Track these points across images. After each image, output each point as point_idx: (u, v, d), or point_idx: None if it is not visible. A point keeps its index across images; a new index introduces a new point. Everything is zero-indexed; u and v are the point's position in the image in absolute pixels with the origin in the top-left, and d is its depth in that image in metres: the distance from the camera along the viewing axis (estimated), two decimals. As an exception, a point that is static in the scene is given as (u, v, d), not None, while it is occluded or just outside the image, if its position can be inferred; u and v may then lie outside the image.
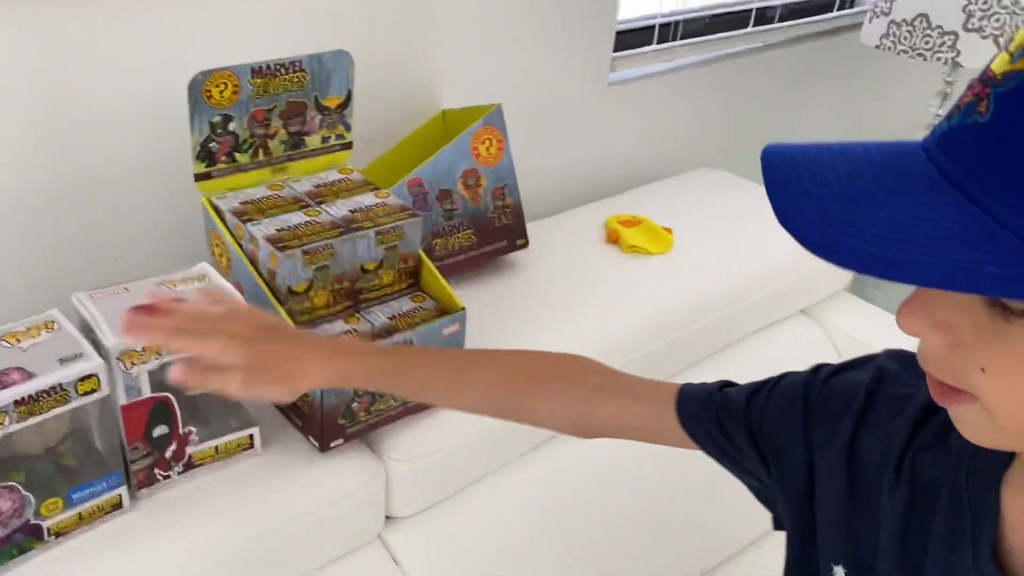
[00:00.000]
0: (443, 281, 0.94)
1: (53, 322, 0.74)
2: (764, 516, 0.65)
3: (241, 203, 0.91)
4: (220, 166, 0.91)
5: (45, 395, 0.68)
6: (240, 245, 0.89)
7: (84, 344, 0.72)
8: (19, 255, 0.94)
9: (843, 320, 1.42)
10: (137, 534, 0.79)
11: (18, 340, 0.72)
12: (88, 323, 0.75)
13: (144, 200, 1.01)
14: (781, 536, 0.62)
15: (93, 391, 0.71)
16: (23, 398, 0.67)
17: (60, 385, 0.69)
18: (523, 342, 1.05)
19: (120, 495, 0.78)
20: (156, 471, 0.81)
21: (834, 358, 1.38)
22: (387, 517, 0.95)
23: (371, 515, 0.93)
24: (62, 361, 0.70)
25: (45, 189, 0.94)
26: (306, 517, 0.87)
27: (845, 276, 1.45)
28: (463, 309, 0.92)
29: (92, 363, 0.70)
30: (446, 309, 0.94)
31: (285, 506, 0.86)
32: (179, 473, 0.82)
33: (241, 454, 0.86)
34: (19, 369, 0.69)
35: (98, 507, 0.77)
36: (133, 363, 0.74)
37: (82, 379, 0.70)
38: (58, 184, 0.94)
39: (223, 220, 0.90)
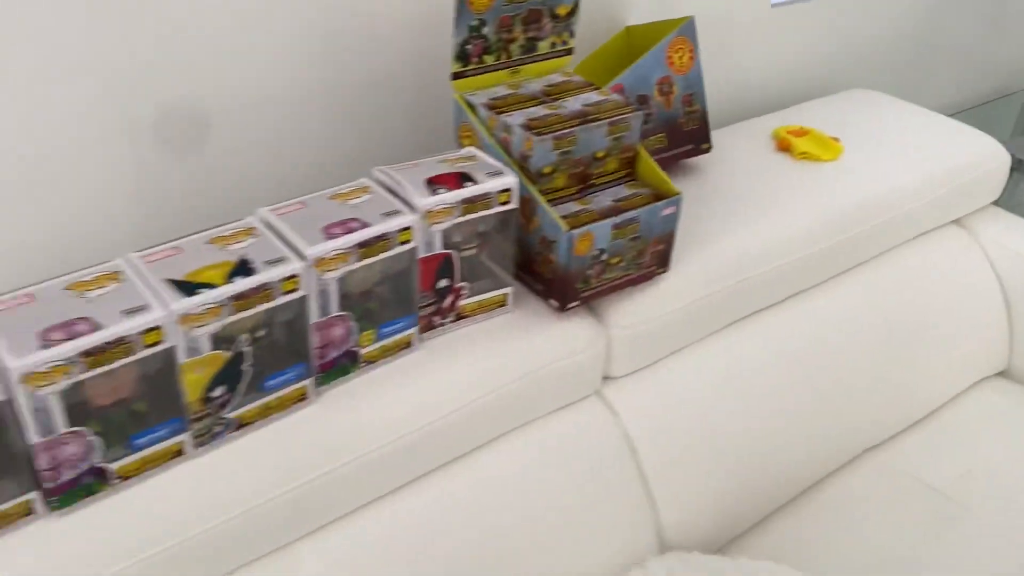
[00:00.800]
0: (659, 170, 1.07)
1: (368, 187, 0.90)
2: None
3: (490, 99, 1.05)
4: (472, 66, 1.05)
5: (375, 241, 0.84)
6: (492, 134, 1.03)
7: (398, 203, 0.87)
8: (315, 140, 1.11)
9: (994, 230, 1.50)
10: (420, 369, 0.95)
11: (347, 199, 0.87)
12: (394, 188, 0.90)
13: (399, 95, 1.16)
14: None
15: (407, 242, 0.87)
16: (363, 241, 0.83)
17: (385, 234, 0.84)
18: (713, 235, 1.18)
19: (412, 336, 0.94)
20: (435, 318, 0.96)
21: (984, 263, 1.47)
22: (604, 377, 1.10)
23: (592, 372, 1.07)
24: (384, 215, 0.85)
25: (318, 83, 1.09)
26: (543, 369, 1.01)
27: (996, 189, 1.52)
28: (679, 194, 1.05)
29: (409, 218, 0.86)
30: (660, 195, 1.07)
31: (525, 358, 1.01)
32: (451, 322, 0.98)
33: (496, 310, 1.01)
34: (355, 220, 0.84)
35: (397, 343, 0.93)
36: (434, 222, 0.89)
37: (401, 230, 0.85)
38: (327, 78, 1.10)
39: (476, 113, 1.04)
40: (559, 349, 1.02)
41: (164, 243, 0.79)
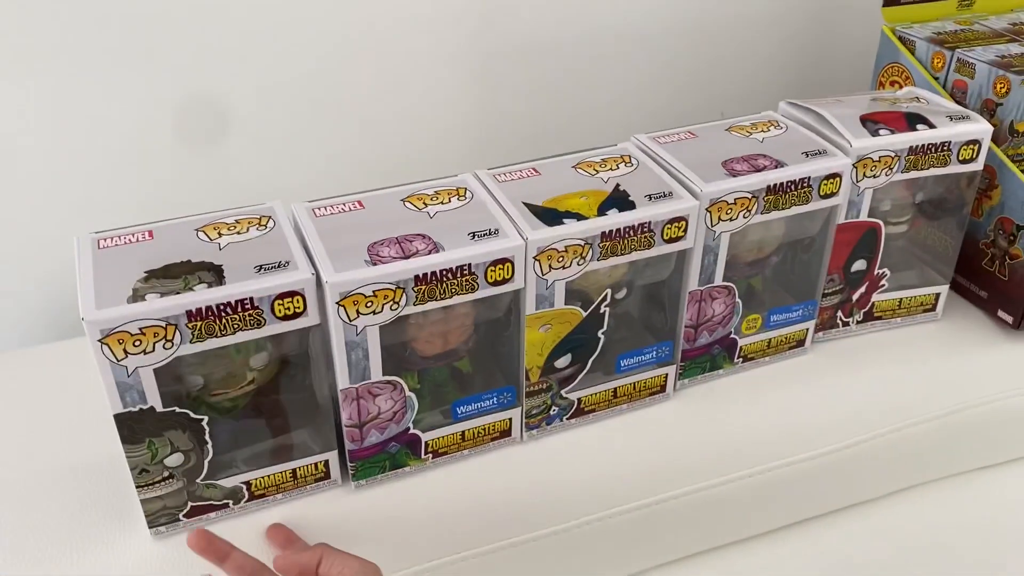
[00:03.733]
0: None
1: (776, 121, 0.67)
2: None
3: (934, 33, 0.78)
4: (912, -10, 0.79)
5: (790, 187, 0.61)
6: (935, 78, 0.76)
7: (823, 142, 0.64)
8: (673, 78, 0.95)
9: None
10: (813, 379, 0.70)
11: (749, 132, 0.65)
12: (814, 126, 0.67)
13: (786, 30, 0.95)
14: None
15: (830, 195, 0.62)
16: (775, 185, 0.60)
17: (807, 178, 0.61)
18: None
19: (807, 331, 0.69)
20: (839, 313, 0.71)
21: None
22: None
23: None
24: (805, 155, 0.62)
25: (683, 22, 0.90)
26: (979, 406, 0.72)
27: None
28: None
29: (841, 161, 0.62)
30: None
31: (955, 388, 0.72)
32: (857, 322, 0.72)
33: (920, 315, 0.74)
34: (763, 156, 0.62)
35: (787, 338, 0.69)
36: (865, 175, 0.64)
37: (827, 177, 0.62)
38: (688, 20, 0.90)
39: (912, 52, 0.78)
40: (1005, 382, 0.72)
41: (520, 162, 0.62)
